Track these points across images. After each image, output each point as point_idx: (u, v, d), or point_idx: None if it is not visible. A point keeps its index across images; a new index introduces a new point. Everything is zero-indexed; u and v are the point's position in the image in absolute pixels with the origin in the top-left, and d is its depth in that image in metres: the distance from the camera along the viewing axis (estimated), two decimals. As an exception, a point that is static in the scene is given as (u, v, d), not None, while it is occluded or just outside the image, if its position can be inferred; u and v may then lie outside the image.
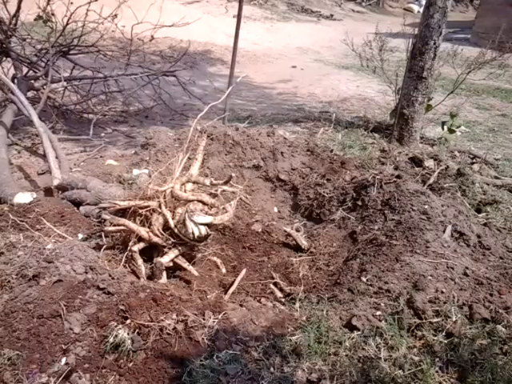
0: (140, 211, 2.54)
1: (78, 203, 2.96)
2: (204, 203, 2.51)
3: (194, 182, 2.70)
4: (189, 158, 2.89)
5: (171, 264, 2.48)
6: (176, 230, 2.45)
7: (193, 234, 2.38)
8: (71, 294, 2.01)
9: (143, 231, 2.46)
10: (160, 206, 2.51)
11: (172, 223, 2.44)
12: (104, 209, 2.58)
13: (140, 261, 2.44)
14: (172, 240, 2.47)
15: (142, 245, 2.48)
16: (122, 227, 2.49)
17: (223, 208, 2.58)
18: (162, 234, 2.47)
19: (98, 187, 2.96)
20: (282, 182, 3.65)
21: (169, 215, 2.46)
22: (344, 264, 2.73)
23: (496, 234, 3.04)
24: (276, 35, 12.23)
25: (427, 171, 3.79)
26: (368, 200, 3.14)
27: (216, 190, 2.72)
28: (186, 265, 2.52)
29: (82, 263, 2.21)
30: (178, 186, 2.56)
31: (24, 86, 4.39)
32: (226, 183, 2.70)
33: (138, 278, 2.39)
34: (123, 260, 2.47)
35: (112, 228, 2.49)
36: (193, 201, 2.48)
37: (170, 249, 2.48)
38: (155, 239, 2.47)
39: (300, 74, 8.70)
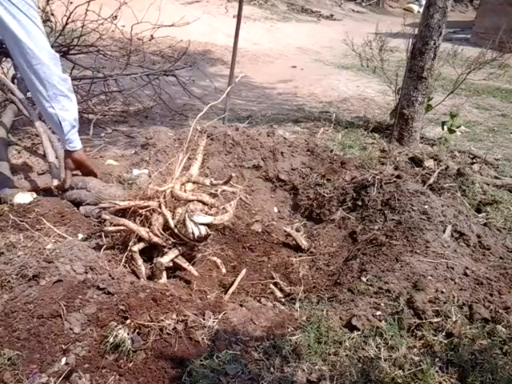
0: (140, 211, 2.54)
1: (77, 203, 2.95)
2: (204, 203, 2.51)
3: (193, 182, 2.69)
4: (189, 158, 2.88)
5: (171, 264, 2.48)
6: (176, 230, 2.45)
7: (193, 233, 2.38)
8: (71, 294, 2.00)
9: (143, 231, 2.46)
10: (160, 206, 2.51)
11: (172, 223, 2.44)
12: (104, 209, 2.57)
13: (140, 261, 2.44)
14: (172, 240, 2.47)
15: (141, 245, 2.48)
16: (121, 227, 2.49)
17: (223, 208, 2.57)
18: (162, 234, 2.47)
19: (98, 187, 2.96)
20: (282, 182, 3.65)
21: (169, 215, 2.46)
22: (344, 264, 2.73)
23: (496, 234, 3.04)
24: (276, 35, 12.23)
25: (427, 171, 3.79)
26: (368, 200, 3.14)
27: (216, 190, 2.71)
28: (186, 265, 2.51)
29: (82, 263, 2.20)
30: (177, 186, 2.56)
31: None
32: (225, 183, 2.69)
33: (138, 277, 2.38)
34: (123, 260, 2.47)
35: (112, 228, 2.48)
36: (193, 201, 2.48)
37: (170, 249, 2.48)
38: (155, 239, 2.47)
39: (300, 74, 8.70)
